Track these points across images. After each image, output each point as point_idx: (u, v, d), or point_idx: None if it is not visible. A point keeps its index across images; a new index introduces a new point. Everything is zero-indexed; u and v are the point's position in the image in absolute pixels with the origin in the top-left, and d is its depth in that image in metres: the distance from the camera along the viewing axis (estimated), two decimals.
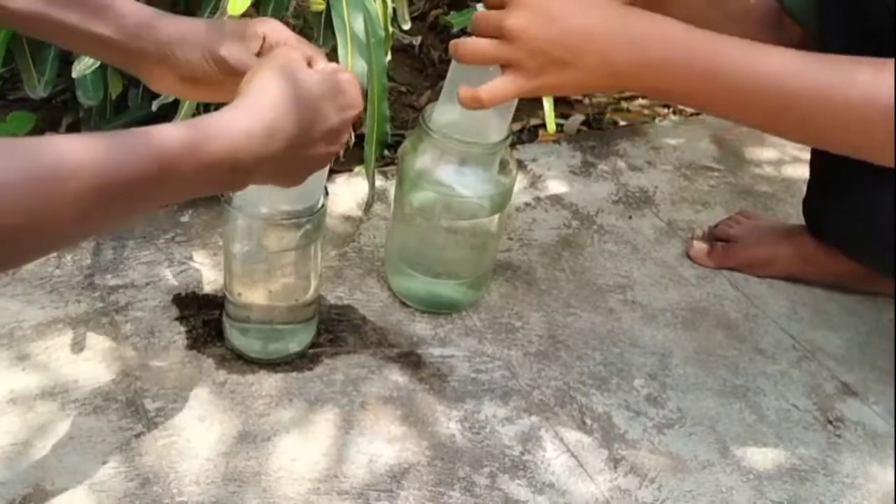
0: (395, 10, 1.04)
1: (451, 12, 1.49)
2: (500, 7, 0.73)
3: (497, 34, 0.73)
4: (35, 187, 0.48)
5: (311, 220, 0.80)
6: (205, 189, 0.59)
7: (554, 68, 0.72)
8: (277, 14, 0.93)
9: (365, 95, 0.91)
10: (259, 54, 0.70)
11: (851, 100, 0.67)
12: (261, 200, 0.78)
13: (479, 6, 0.78)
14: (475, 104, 0.75)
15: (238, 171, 0.59)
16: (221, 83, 0.70)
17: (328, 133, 0.66)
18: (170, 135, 0.55)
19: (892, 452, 0.89)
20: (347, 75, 0.69)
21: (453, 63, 0.82)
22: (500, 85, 0.74)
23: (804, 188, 1.07)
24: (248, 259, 0.82)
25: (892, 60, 0.67)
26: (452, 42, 0.76)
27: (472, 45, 0.74)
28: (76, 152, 0.50)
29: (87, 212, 0.51)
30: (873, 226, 0.93)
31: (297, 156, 0.64)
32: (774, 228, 1.13)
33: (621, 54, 0.71)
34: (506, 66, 0.74)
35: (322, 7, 0.90)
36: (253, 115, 0.60)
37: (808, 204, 1.06)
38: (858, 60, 0.69)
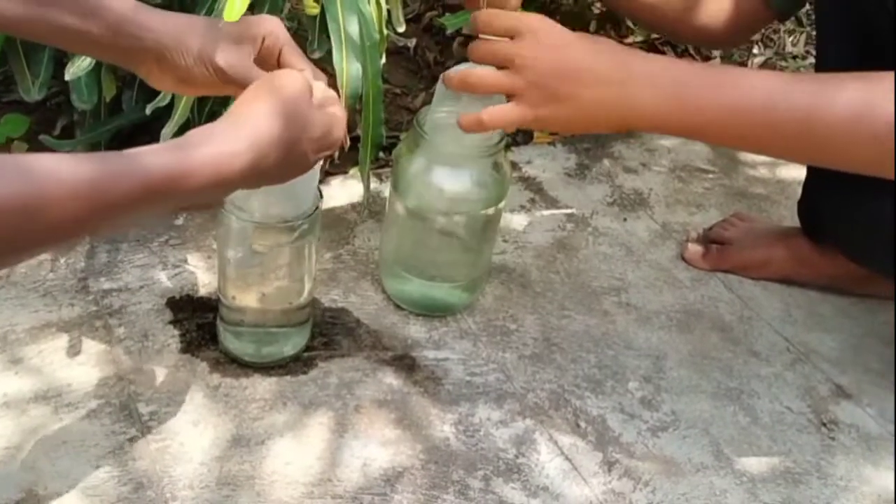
0: (389, 12, 1.04)
1: (446, 14, 1.50)
2: (507, 35, 0.74)
3: (506, 63, 0.74)
4: (22, 205, 0.48)
5: (305, 222, 0.80)
6: (191, 205, 0.60)
7: (555, 102, 0.74)
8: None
9: (360, 99, 0.91)
10: (259, 54, 0.70)
11: (843, 118, 0.68)
12: (253, 205, 0.78)
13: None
14: (478, 128, 0.78)
15: (221, 191, 0.61)
16: (220, 86, 0.70)
17: (302, 161, 0.67)
18: (155, 162, 0.55)
19: (886, 455, 0.89)
20: (339, 114, 0.70)
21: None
22: (503, 111, 0.76)
23: (798, 190, 1.07)
24: (241, 263, 0.82)
25: (880, 75, 0.68)
26: (462, 72, 0.77)
27: (480, 76, 0.76)
28: (64, 174, 0.50)
29: (71, 233, 0.52)
30: (871, 225, 0.93)
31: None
32: (769, 231, 1.13)
33: (625, 92, 0.73)
34: (510, 95, 0.76)
35: (316, 10, 0.89)
36: (241, 144, 0.60)
37: (803, 205, 1.06)
38: (846, 77, 0.70)
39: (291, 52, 0.73)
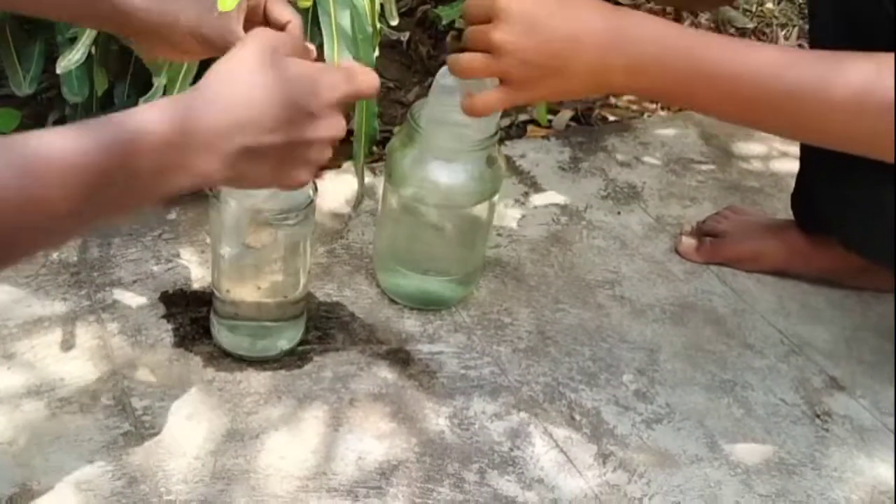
0: (382, 5, 1.03)
1: (440, 6, 1.49)
2: (486, 21, 0.73)
3: (486, 49, 0.73)
4: (24, 184, 0.48)
5: (299, 215, 0.80)
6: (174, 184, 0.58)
7: (544, 77, 0.73)
8: None
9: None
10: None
11: (848, 94, 0.67)
12: (247, 195, 0.78)
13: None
14: (471, 113, 0.77)
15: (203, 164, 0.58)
16: (217, 52, 0.69)
17: (311, 131, 0.63)
18: (149, 128, 0.54)
19: (880, 446, 0.90)
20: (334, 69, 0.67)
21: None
22: (494, 95, 0.75)
23: (792, 183, 1.07)
24: (236, 258, 0.82)
25: (886, 55, 0.67)
26: (451, 58, 0.76)
27: (467, 61, 0.75)
28: (58, 145, 0.50)
29: (75, 206, 0.51)
30: (867, 214, 0.93)
31: (280, 154, 0.61)
32: (762, 223, 1.13)
33: (612, 59, 0.71)
34: (500, 78, 0.75)
35: (309, 3, 0.89)
36: (219, 108, 0.58)
37: (796, 197, 1.07)
38: (852, 55, 0.69)
39: (276, 2, 0.70)
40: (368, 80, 0.67)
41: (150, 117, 0.55)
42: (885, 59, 0.67)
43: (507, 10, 0.72)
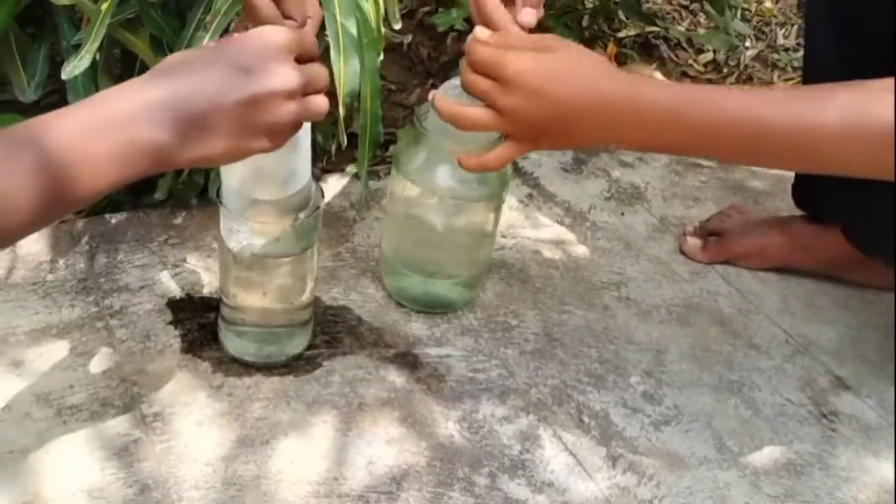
0: (385, 9, 1.03)
1: (439, 10, 1.49)
2: (491, 75, 0.74)
3: (491, 105, 0.75)
4: None
5: (307, 212, 0.80)
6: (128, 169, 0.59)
7: (550, 137, 0.75)
8: None
9: (358, 97, 0.90)
10: None
11: (838, 127, 0.68)
12: (246, 189, 0.77)
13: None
14: (481, 169, 0.80)
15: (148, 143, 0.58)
16: None
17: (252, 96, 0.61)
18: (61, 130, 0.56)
19: (886, 445, 0.90)
20: (317, 73, 0.65)
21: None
22: (503, 152, 0.78)
23: (793, 179, 1.08)
24: (246, 250, 0.81)
25: (869, 82, 0.68)
26: (458, 112, 0.77)
27: (472, 117, 0.76)
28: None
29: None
30: (865, 209, 0.94)
31: (228, 116, 0.61)
32: (765, 220, 1.14)
33: (618, 126, 0.73)
34: (505, 134, 0.77)
35: None
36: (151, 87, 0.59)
37: (797, 184, 1.07)
38: (838, 87, 0.70)
39: None
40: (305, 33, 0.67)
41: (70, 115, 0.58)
42: (868, 87, 0.68)
43: (514, 76, 0.73)
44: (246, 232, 0.80)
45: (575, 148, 0.79)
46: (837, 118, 0.68)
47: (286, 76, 0.62)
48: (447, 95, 0.85)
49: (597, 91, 0.73)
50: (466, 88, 0.77)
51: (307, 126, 0.75)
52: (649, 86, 0.76)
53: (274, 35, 0.63)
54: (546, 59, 0.74)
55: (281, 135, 0.65)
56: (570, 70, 0.73)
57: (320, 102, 0.66)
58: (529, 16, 0.80)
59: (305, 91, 0.64)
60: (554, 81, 0.73)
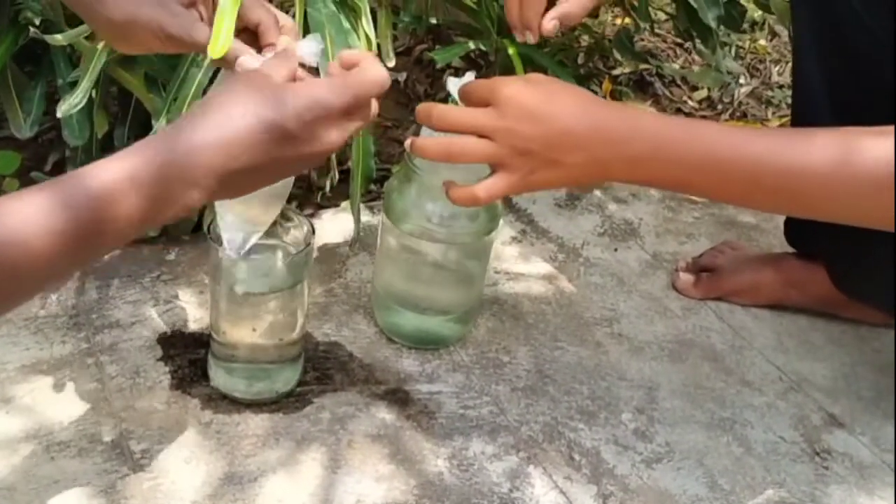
0: (379, 46, 1.05)
1: (437, 47, 1.51)
2: (484, 105, 0.75)
3: (485, 135, 0.74)
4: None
5: (295, 252, 0.80)
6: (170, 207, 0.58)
7: (542, 168, 0.74)
8: None
9: None
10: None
11: (822, 175, 0.68)
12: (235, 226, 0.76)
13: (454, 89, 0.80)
14: (472, 203, 0.77)
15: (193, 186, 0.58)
16: (184, 48, 0.70)
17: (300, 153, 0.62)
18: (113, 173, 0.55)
19: (880, 483, 0.89)
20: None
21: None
22: (493, 184, 0.76)
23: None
24: (232, 298, 0.82)
25: (859, 129, 0.68)
26: (448, 142, 0.77)
27: (461, 146, 0.75)
28: (28, 213, 0.51)
29: (53, 265, 0.52)
30: (854, 255, 0.94)
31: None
32: (758, 256, 1.14)
33: (609, 153, 0.73)
34: (496, 165, 0.75)
35: None
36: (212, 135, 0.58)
37: (790, 225, 1.08)
38: (826, 132, 0.70)
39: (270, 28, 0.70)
40: (368, 84, 0.64)
41: (118, 168, 0.55)
42: (854, 135, 0.68)
43: (508, 98, 0.73)
44: (233, 221, 0.78)
45: (565, 185, 0.79)
46: (826, 163, 0.68)
47: (331, 143, 0.62)
48: (433, 133, 0.86)
49: (589, 116, 0.73)
50: (461, 125, 0.77)
51: None
52: (641, 116, 0.76)
53: (325, 99, 0.61)
54: (539, 86, 0.75)
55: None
56: (563, 96, 0.74)
57: (371, 111, 0.66)
58: (550, 23, 0.85)
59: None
60: (547, 104, 0.73)
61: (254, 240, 0.77)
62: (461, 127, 0.76)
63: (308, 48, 0.69)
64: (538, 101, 0.74)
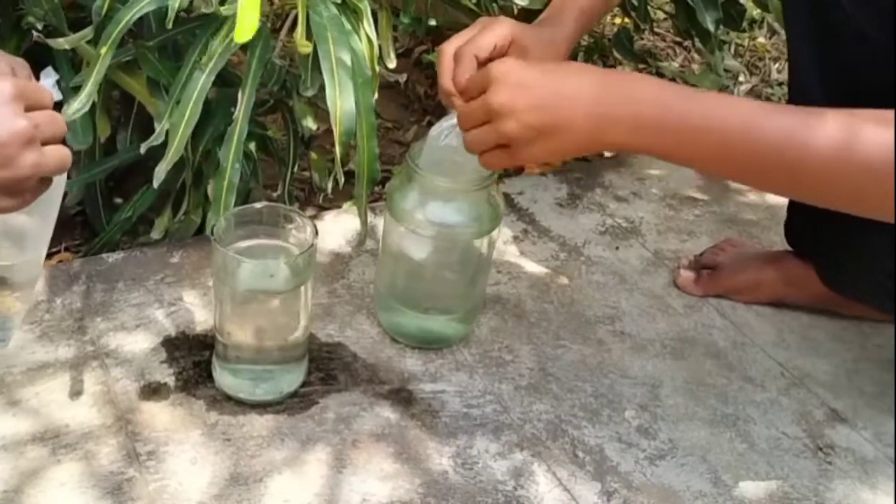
0: (380, 48, 1.05)
1: (436, 49, 1.51)
2: (480, 88, 0.76)
3: (487, 118, 0.75)
4: None
5: (300, 257, 0.81)
6: None
7: (542, 137, 0.74)
8: (263, 56, 0.94)
9: (354, 135, 0.91)
10: None
11: (826, 155, 0.68)
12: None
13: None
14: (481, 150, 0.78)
15: None
16: None
17: None
18: None
19: (883, 478, 0.90)
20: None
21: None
22: (497, 158, 0.77)
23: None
24: (237, 299, 0.83)
25: (863, 111, 0.68)
26: (468, 141, 0.78)
27: (472, 141, 0.78)
28: None
29: None
30: (845, 253, 0.94)
31: None
32: (759, 254, 1.14)
33: (609, 116, 0.72)
34: (504, 143, 0.76)
35: (309, 49, 0.91)
36: None
37: (789, 224, 1.08)
38: (834, 113, 0.69)
39: None
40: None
41: None
42: (862, 117, 0.68)
43: (503, 74, 0.74)
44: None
45: (565, 155, 0.77)
46: (827, 142, 0.68)
47: (15, 123, 0.58)
48: (443, 133, 0.86)
49: (589, 77, 0.73)
50: (464, 120, 0.78)
51: (54, 198, 0.69)
52: (645, 79, 0.75)
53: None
54: (528, 61, 0.76)
55: (25, 191, 0.60)
56: (553, 63, 0.75)
57: (61, 151, 0.62)
58: None
59: (44, 140, 0.60)
60: (539, 71, 0.74)
61: (13, 328, 0.75)
62: (468, 123, 0.77)
63: (45, 83, 0.68)
64: (534, 72, 0.74)
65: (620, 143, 0.75)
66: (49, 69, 0.70)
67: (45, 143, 0.60)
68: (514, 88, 0.73)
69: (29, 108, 0.60)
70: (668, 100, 0.72)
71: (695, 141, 0.72)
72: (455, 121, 0.83)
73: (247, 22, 0.82)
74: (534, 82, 0.74)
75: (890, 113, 0.66)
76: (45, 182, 0.62)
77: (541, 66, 0.76)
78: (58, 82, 0.69)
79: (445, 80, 0.83)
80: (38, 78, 0.71)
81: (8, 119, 0.57)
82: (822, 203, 0.74)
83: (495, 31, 0.84)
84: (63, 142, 0.65)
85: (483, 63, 0.84)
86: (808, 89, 0.93)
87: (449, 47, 0.85)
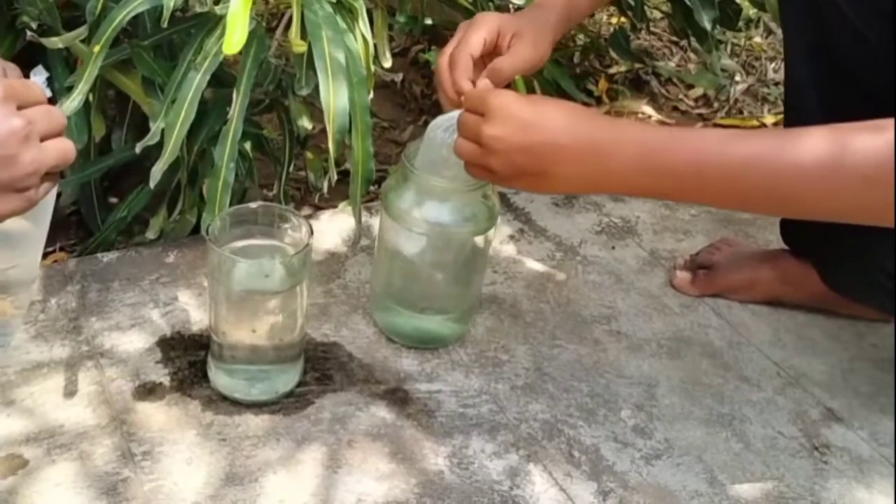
0: (376, 47, 1.05)
1: (432, 48, 1.51)
2: (480, 113, 0.76)
3: (477, 141, 0.77)
4: None
5: (295, 257, 0.81)
6: None
7: (526, 176, 0.76)
8: (258, 56, 0.93)
9: (349, 134, 0.91)
10: None
11: (811, 172, 0.68)
12: None
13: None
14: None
15: None
16: None
17: None
18: None
19: (879, 478, 0.90)
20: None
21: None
22: (481, 174, 0.80)
23: None
24: (232, 299, 0.82)
25: (848, 125, 0.68)
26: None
27: (460, 150, 0.79)
28: None
29: None
30: (846, 253, 0.94)
31: None
32: (755, 253, 1.14)
33: (595, 167, 0.74)
34: (484, 169, 0.78)
35: (304, 48, 0.90)
36: None
37: (785, 222, 1.08)
38: (816, 130, 0.69)
39: None
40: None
41: None
42: (846, 131, 0.68)
43: (498, 109, 0.75)
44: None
45: (553, 193, 0.80)
46: (816, 163, 0.68)
47: (9, 122, 0.58)
48: (439, 130, 0.86)
49: (576, 129, 0.74)
50: (459, 128, 0.80)
51: (48, 200, 0.68)
52: (627, 128, 0.77)
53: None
54: (529, 98, 0.77)
55: (30, 188, 0.60)
56: (551, 108, 0.75)
57: (62, 144, 0.62)
58: (481, 82, 0.85)
59: (42, 135, 0.60)
60: (535, 115, 0.75)
61: (12, 332, 0.74)
62: (461, 131, 0.79)
63: (35, 81, 0.67)
64: (527, 111, 0.75)
65: (611, 192, 0.77)
66: (39, 67, 0.69)
67: (44, 139, 0.60)
68: (508, 126, 0.75)
69: (21, 107, 0.60)
70: (655, 147, 0.73)
71: (685, 183, 0.72)
72: (454, 120, 0.83)
73: (235, 34, 0.82)
74: (526, 124, 0.74)
75: (880, 121, 0.66)
76: (51, 178, 0.62)
77: (533, 107, 0.76)
78: (49, 80, 0.68)
79: (447, 92, 0.84)
80: (28, 77, 0.71)
81: (1, 119, 0.58)
82: (820, 217, 0.73)
83: (480, 29, 0.85)
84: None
85: (478, 63, 0.84)
86: (803, 88, 0.93)
87: (442, 59, 0.86)
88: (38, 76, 0.69)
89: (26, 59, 1.06)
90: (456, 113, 0.83)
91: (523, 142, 0.74)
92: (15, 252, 0.74)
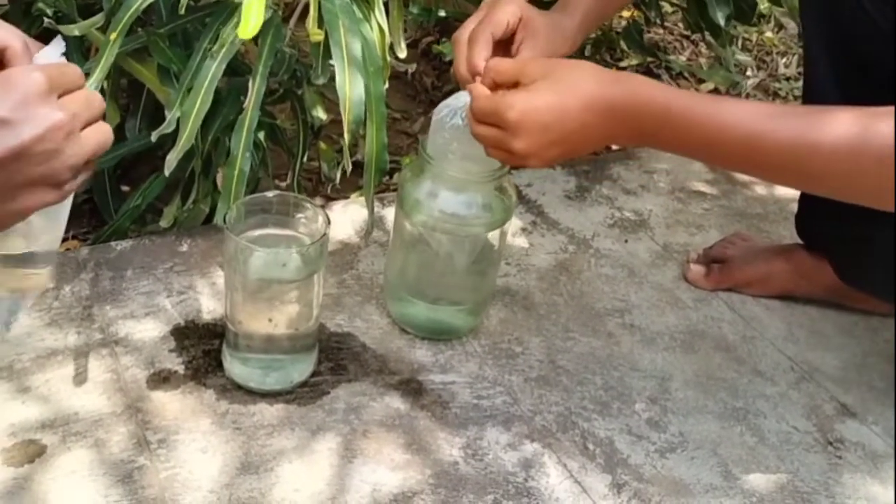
0: (391, 37, 1.05)
1: (444, 39, 1.51)
2: (495, 123, 0.76)
3: (506, 151, 0.78)
4: None
5: (312, 246, 0.81)
6: None
7: (558, 152, 0.78)
8: (274, 45, 0.93)
9: (363, 124, 0.91)
10: None
11: (837, 151, 0.69)
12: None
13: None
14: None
15: None
16: None
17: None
18: None
19: (892, 473, 0.90)
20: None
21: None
22: (503, 158, 0.81)
23: (796, 208, 1.08)
24: (249, 289, 0.82)
25: (872, 109, 0.68)
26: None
27: (478, 136, 0.79)
28: None
29: None
30: (863, 246, 0.94)
31: None
32: (769, 247, 1.14)
33: (617, 130, 0.76)
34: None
35: (320, 37, 0.90)
36: None
37: (800, 217, 1.08)
38: (842, 110, 0.70)
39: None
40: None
41: None
42: (871, 114, 0.68)
43: (519, 123, 0.75)
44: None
45: (573, 157, 0.82)
46: (837, 138, 0.68)
47: (50, 117, 0.55)
48: (444, 117, 0.86)
49: (599, 104, 0.74)
50: (477, 139, 0.79)
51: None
52: (649, 91, 0.76)
53: (25, 77, 0.55)
54: (540, 95, 0.75)
55: (66, 181, 0.58)
56: (566, 97, 0.75)
57: (100, 130, 0.60)
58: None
59: (84, 125, 0.58)
60: (558, 113, 0.75)
61: (22, 309, 0.71)
62: (478, 116, 0.79)
63: (53, 54, 0.64)
64: (545, 114, 0.75)
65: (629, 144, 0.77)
66: (59, 38, 0.66)
67: (84, 127, 0.58)
68: (531, 133, 0.75)
69: (62, 94, 0.58)
70: (677, 109, 0.74)
71: (704, 145, 0.74)
72: (462, 102, 0.83)
73: (251, 19, 0.82)
74: (547, 124, 0.75)
75: None
76: (87, 167, 0.60)
77: (550, 100, 0.75)
78: (65, 54, 0.66)
79: (462, 68, 0.83)
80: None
81: (46, 114, 0.55)
82: (836, 197, 0.74)
83: (506, 9, 0.84)
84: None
85: (498, 43, 0.83)
86: (823, 85, 0.92)
87: (463, 33, 0.85)
88: (57, 45, 0.66)
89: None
90: (461, 94, 0.82)
91: (549, 136, 0.75)
92: (43, 226, 0.72)
